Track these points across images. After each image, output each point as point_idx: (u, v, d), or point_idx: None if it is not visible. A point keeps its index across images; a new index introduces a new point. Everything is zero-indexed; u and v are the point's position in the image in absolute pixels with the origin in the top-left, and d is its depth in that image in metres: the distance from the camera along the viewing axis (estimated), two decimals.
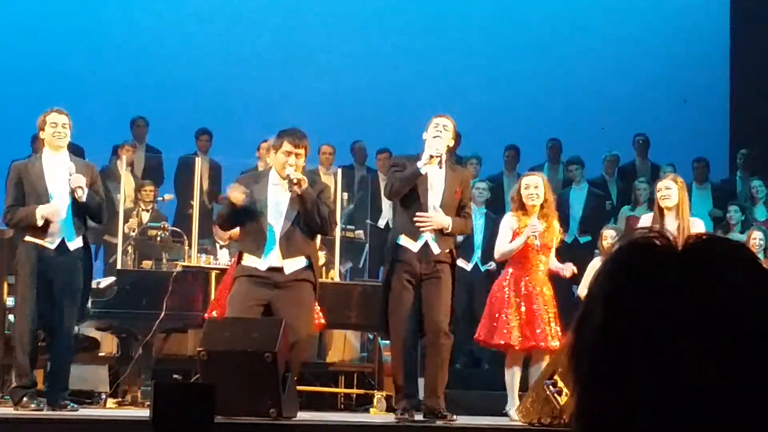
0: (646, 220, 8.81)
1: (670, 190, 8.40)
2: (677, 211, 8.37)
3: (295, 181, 7.70)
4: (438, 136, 8.07)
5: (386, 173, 12.97)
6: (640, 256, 1.21)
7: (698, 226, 8.49)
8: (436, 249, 8.00)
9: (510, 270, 8.68)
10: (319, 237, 8.39)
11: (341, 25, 15.61)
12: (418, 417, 7.98)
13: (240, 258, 7.91)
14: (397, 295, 7.99)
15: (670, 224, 8.21)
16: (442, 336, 7.92)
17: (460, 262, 10.37)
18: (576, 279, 10.49)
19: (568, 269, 8.93)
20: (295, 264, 7.79)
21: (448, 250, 8.10)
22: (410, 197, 8.11)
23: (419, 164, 8.01)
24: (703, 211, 12.57)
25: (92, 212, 8.10)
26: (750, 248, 1.23)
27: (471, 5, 15.93)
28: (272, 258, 7.76)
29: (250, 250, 7.82)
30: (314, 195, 7.80)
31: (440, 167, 8.09)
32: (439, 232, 8.03)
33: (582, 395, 1.20)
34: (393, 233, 8.29)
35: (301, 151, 7.84)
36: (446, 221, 8.04)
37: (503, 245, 8.65)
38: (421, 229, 8.00)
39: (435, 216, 8.04)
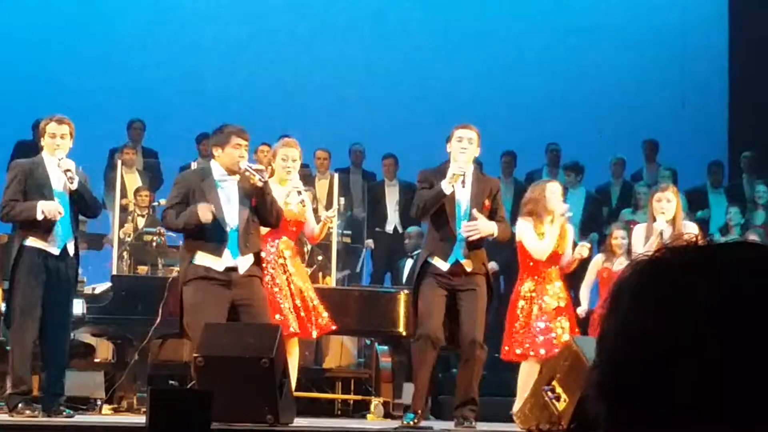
0: (639, 230, 8.76)
1: (670, 203, 8.41)
2: (673, 221, 8.39)
3: (257, 169, 7.65)
4: (463, 152, 7.98)
5: (392, 178, 13.03)
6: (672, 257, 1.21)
7: (692, 231, 8.47)
8: (468, 266, 8.00)
9: (524, 283, 8.71)
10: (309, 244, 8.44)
11: (339, 29, 15.57)
12: (425, 423, 8.06)
13: (191, 257, 7.72)
14: (427, 299, 7.99)
15: (665, 234, 8.25)
16: (477, 348, 7.96)
17: None
18: (575, 283, 10.49)
19: (584, 249, 8.95)
20: (248, 261, 7.76)
21: (481, 263, 8.08)
22: (438, 216, 8.08)
23: (443, 183, 7.94)
24: (720, 214, 12.59)
25: (86, 202, 8.03)
26: None
27: (469, 10, 15.91)
28: (230, 257, 7.70)
29: (209, 249, 7.68)
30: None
31: (463, 186, 8.01)
32: (469, 250, 7.97)
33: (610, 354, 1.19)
34: (423, 252, 8.30)
35: (247, 142, 7.84)
36: (492, 228, 8.03)
37: (537, 245, 8.62)
38: (470, 238, 7.95)
39: (480, 223, 7.99)
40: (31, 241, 7.87)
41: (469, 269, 7.98)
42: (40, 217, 7.75)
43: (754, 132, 14.39)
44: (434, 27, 15.89)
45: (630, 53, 15.54)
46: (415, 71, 15.50)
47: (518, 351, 8.62)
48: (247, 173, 7.69)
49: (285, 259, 8.17)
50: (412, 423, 7.92)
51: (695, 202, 13.07)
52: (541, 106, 15.18)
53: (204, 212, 7.57)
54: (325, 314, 8.29)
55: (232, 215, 7.72)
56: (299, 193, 8.10)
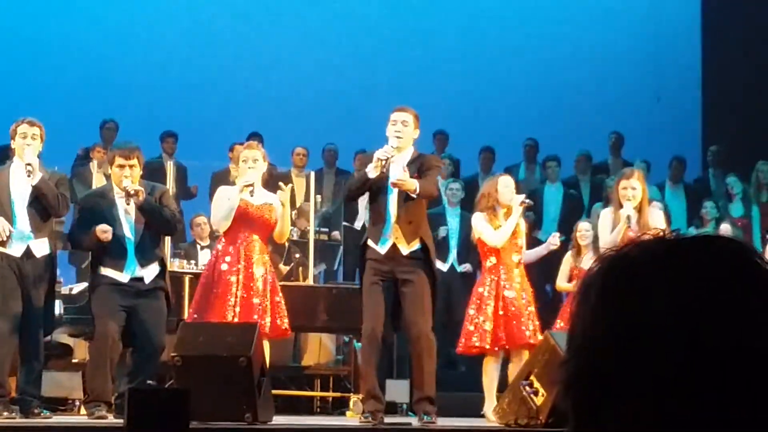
0: (605, 217, 8.72)
1: (636, 190, 8.38)
2: (639, 207, 8.36)
3: (132, 192, 8.02)
4: (396, 135, 7.88)
5: None
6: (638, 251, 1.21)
7: (657, 217, 8.49)
8: (404, 249, 7.87)
9: (486, 273, 8.71)
10: (284, 240, 8.51)
11: (314, 27, 15.57)
12: (387, 420, 7.95)
13: (95, 268, 8.21)
14: (366, 293, 7.88)
15: (632, 220, 8.23)
16: (423, 338, 7.79)
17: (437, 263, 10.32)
18: (549, 276, 10.53)
19: (555, 239, 8.99)
20: (151, 272, 8.17)
21: (418, 248, 7.88)
22: (372, 199, 8.02)
23: (368, 168, 7.86)
24: (679, 210, 12.63)
25: (48, 200, 8.00)
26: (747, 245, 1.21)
27: (445, 6, 15.93)
28: (131, 270, 8.12)
29: (111, 264, 8.12)
30: (154, 201, 8.20)
31: (384, 170, 7.78)
32: (403, 232, 7.84)
33: (577, 359, 1.19)
34: (365, 235, 8.23)
35: (134, 161, 8.18)
36: (414, 183, 7.76)
37: (493, 234, 8.61)
38: (395, 187, 7.81)
39: (404, 176, 7.78)
40: None
41: (405, 252, 7.83)
42: None
43: (727, 126, 14.46)
44: (409, 24, 15.90)
45: (605, 48, 15.59)
46: (390, 69, 15.50)
47: (477, 343, 8.60)
48: (127, 191, 8.08)
49: (253, 256, 8.15)
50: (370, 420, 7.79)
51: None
52: (517, 102, 15.22)
53: (103, 235, 8.01)
54: (285, 319, 8.23)
55: (130, 230, 8.17)
56: (247, 186, 8.10)
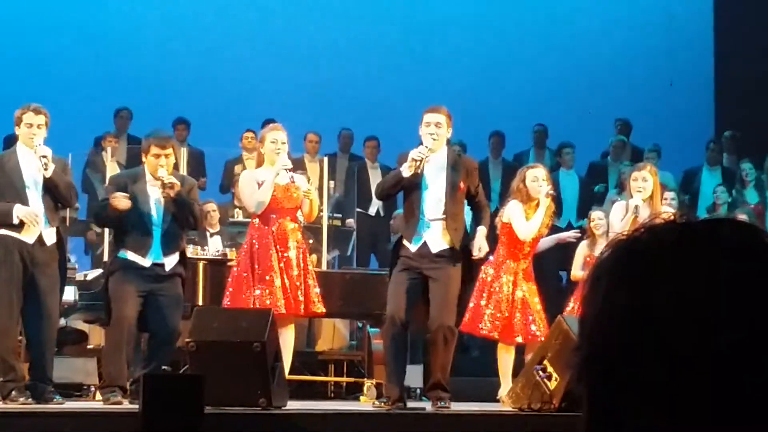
0: (617, 209, 8.82)
1: (646, 182, 8.49)
2: (650, 200, 8.46)
3: (168, 184, 8.04)
4: (431, 137, 7.92)
5: (374, 161, 13.06)
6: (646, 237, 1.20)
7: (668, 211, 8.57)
8: (434, 248, 7.92)
9: (502, 260, 8.74)
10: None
11: (325, 12, 15.57)
12: (417, 405, 8.01)
13: (116, 251, 8.21)
14: (392, 282, 7.98)
15: (643, 212, 8.32)
16: (444, 332, 7.81)
17: None
18: (564, 264, 10.54)
19: (574, 235, 9.09)
20: (172, 260, 8.19)
21: (449, 247, 7.93)
22: (407, 198, 8.08)
23: (403, 167, 7.94)
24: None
25: (60, 192, 7.99)
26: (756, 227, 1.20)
27: None
28: (155, 256, 8.13)
29: (134, 248, 8.11)
30: (186, 195, 8.20)
31: (419, 170, 7.86)
32: (438, 231, 7.92)
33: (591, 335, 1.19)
34: (400, 235, 8.30)
35: (169, 150, 8.21)
36: (482, 233, 8.04)
37: (524, 226, 8.66)
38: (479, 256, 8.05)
39: (476, 242, 7.99)
40: (4, 231, 7.86)
41: (435, 251, 7.91)
42: (16, 221, 7.79)
43: (740, 111, 14.42)
44: (421, 9, 15.88)
45: (617, 33, 15.55)
46: (400, 54, 15.49)
47: (485, 331, 8.65)
48: (160, 182, 8.10)
49: (287, 238, 8.26)
50: (384, 406, 7.83)
51: (688, 183, 13.12)
52: (529, 87, 15.20)
53: (118, 203, 8.00)
54: (317, 301, 8.34)
55: (158, 217, 8.17)
56: (288, 170, 8.23)
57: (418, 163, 7.85)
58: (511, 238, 8.75)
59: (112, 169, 11.81)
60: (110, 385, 8.01)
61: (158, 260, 8.11)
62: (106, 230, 10.68)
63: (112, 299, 8.08)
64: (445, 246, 7.91)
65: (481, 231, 8.08)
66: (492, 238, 8.62)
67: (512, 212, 8.74)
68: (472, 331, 8.82)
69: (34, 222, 7.78)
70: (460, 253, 7.95)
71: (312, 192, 8.51)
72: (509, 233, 8.76)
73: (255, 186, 8.30)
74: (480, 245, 8.01)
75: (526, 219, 8.67)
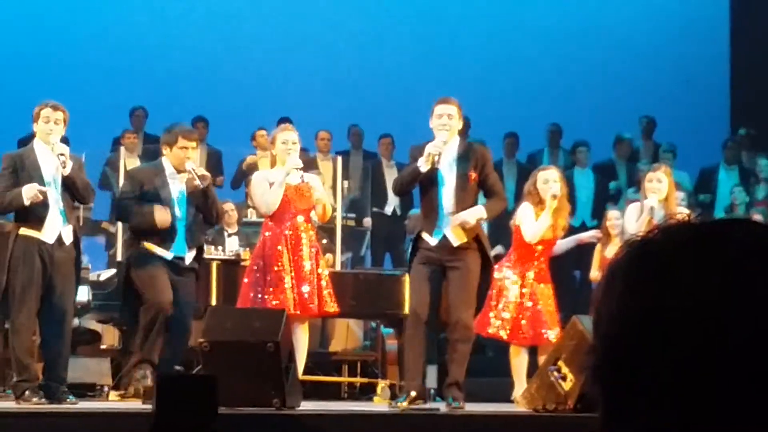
0: (632, 210, 8.82)
1: (661, 183, 8.50)
2: (666, 200, 8.46)
3: (201, 175, 8.12)
4: (443, 129, 7.91)
5: (390, 159, 13.03)
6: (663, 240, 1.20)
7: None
8: (455, 241, 7.88)
9: (513, 262, 8.72)
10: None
11: (339, 10, 15.56)
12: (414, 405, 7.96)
13: (139, 242, 8.25)
14: (412, 277, 8.00)
15: (657, 213, 8.31)
16: (462, 328, 7.81)
17: None
18: (579, 264, 10.50)
19: (594, 235, 9.07)
20: (192, 254, 8.32)
21: (472, 238, 7.87)
22: (424, 192, 8.04)
23: (420, 161, 7.90)
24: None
25: (78, 189, 7.98)
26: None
27: None
28: (178, 249, 8.23)
29: (158, 242, 8.19)
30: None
31: (436, 164, 7.82)
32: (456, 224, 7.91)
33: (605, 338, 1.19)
34: (418, 228, 8.26)
35: (194, 143, 8.37)
36: (476, 213, 7.88)
37: (530, 228, 8.63)
38: (465, 226, 7.86)
39: (463, 217, 7.82)
40: (25, 230, 7.87)
41: (456, 244, 7.87)
42: (27, 202, 7.74)
43: (756, 108, 14.37)
44: (433, 6, 15.87)
45: (632, 30, 15.51)
46: (414, 52, 15.47)
47: (492, 330, 8.66)
48: (190, 175, 8.15)
49: (299, 238, 8.27)
50: (402, 405, 7.81)
51: (705, 182, 13.06)
52: (543, 86, 15.16)
53: (163, 218, 8.10)
54: (330, 300, 8.35)
55: (182, 212, 8.23)
56: (299, 170, 8.27)
57: (436, 157, 7.84)
58: (523, 240, 8.74)
59: (130, 165, 11.83)
60: (144, 360, 8.14)
61: (182, 254, 8.21)
62: (120, 231, 10.68)
63: (147, 285, 8.16)
64: (465, 239, 7.88)
65: (476, 208, 7.91)
66: (504, 239, 8.59)
67: (523, 214, 8.75)
68: (479, 331, 8.80)
69: (38, 196, 7.75)
70: (482, 246, 7.93)
71: (322, 198, 8.48)
72: (518, 234, 8.77)
73: (266, 186, 8.31)
74: (464, 218, 7.80)
75: (536, 221, 8.66)
